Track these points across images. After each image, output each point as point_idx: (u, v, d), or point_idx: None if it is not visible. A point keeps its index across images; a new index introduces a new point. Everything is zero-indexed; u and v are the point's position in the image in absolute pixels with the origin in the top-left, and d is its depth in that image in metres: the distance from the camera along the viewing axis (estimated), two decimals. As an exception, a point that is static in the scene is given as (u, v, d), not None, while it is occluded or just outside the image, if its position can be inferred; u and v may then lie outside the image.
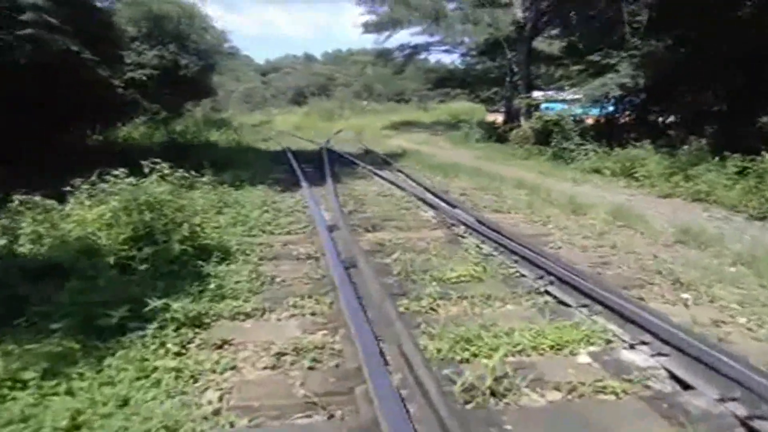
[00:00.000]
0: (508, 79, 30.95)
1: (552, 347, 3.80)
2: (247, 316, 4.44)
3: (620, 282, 5.28)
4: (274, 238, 7.10)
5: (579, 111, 20.00)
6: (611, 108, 20.27)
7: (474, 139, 26.81)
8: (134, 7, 23.95)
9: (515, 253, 5.86)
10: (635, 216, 8.61)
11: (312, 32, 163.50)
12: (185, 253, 5.39)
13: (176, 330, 3.98)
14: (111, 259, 5.20)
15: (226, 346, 3.90)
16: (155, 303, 4.03)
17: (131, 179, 6.93)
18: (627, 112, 19.91)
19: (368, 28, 33.53)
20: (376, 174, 13.30)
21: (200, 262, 5.36)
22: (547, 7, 23.12)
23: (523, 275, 5.45)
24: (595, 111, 21.79)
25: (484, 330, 4.01)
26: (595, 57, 17.61)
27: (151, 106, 23.40)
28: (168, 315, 4.03)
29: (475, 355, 3.69)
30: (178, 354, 3.68)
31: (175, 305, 4.07)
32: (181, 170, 8.01)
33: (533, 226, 7.95)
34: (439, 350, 3.75)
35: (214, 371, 3.52)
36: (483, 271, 5.53)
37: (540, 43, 27.85)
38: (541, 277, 5.18)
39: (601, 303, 4.36)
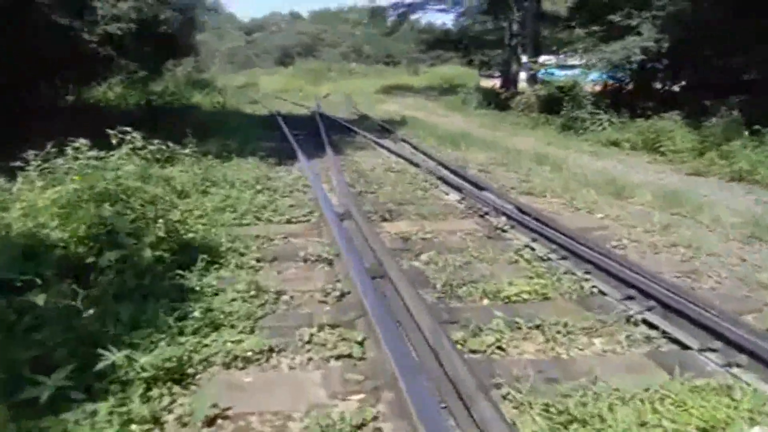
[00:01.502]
0: (507, 41, 29.43)
1: (703, 431, 2.58)
2: (247, 361, 3.17)
3: (729, 304, 4.04)
4: (272, 228, 5.79)
5: (595, 77, 18.64)
6: (622, 74, 18.92)
7: (472, 105, 25.40)
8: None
9: (582, 258, 4.62)
10: (686, 201, 7.43)
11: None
12: (161, 261, 4.06)
13: (145, 392, 2.71)
14: (60, 269, 3.88)
15: (219, 422, 2.64)
16: (114, 355, 2.73)
17: (94, 152, 5.63)
18: (641, 80, 18.56)
19: (360, -16, 31.71)
20: (378, 144, 11.95)
21: (180, 272, 4.05)
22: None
23: (603, 293, 4.21)
24: (595, 77, 20.49)
25: (590, 394, 2.78)
26: (615, 17, 16.18)
27: (129, 64, 21.57)
28: (133, 372, 2.75)
29: (593, 445, 2.47)
30: (146, 441, 2.42)
31: (143, 359, 2.78)
32: (157, 141, 6.67)
33: (580, 216, 6.70)
34: (537, 435, 2.53)
35: (201, 477, 2.26)
36: (549, 286, 4.28)
37: (544, 2, 26.27)
38: (631, 298, 3.94)
39: (740, 348, 3.14)
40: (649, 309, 3.76)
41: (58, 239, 4.35)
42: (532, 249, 5.15)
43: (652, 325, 3.67)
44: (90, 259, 3.91)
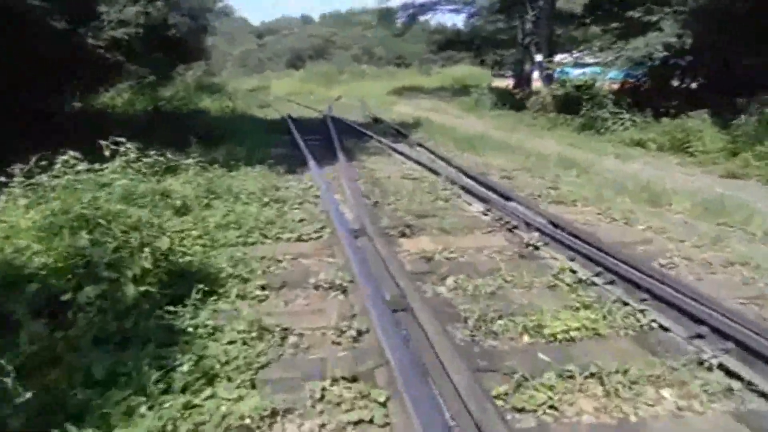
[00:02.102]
0: (520, 40, 28.77)
1: None
2: (247, 430, 2.57)
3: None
4: (280, 247, 5.19)
5: (612, 75, 17.93)
6: (641, 71, 18.15)
7: (487, 106, 24.73)
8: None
9: (632, 283, 3.98)
10: (729, 208, 6.78)
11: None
12: (147, 296, 3.46)
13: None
14: (36, 305, 3.31)
15: None
16: (71, 437, 2.13)
17: (84, 166, 5.13)
18: (662, 77, 17.77)
19: (371, -16, 31.06)
20: (393, 149, 11.31)
21: (171, 309, 3.45)
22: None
23: (665, 328, 3.56)
24: (613, 75, 19.84)
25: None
26: (635, 13, 15.48)
27: (139, 70, 21.09)
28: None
29: None
30: None
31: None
32: (154, 153, 6.15)
33: (618, 228, 6.04)
34: None
35: None
36: (600, 320, 3.63)
37: (557, 0, 25.51)
38: (701, 336, 3.30)
39: None
40: (726, 351, 3.12)
41: (39, 266, 3.78)
42: (573, 271, 4.50)
43: (731, 373, 3.03)
44: (66, 296, 3.32)
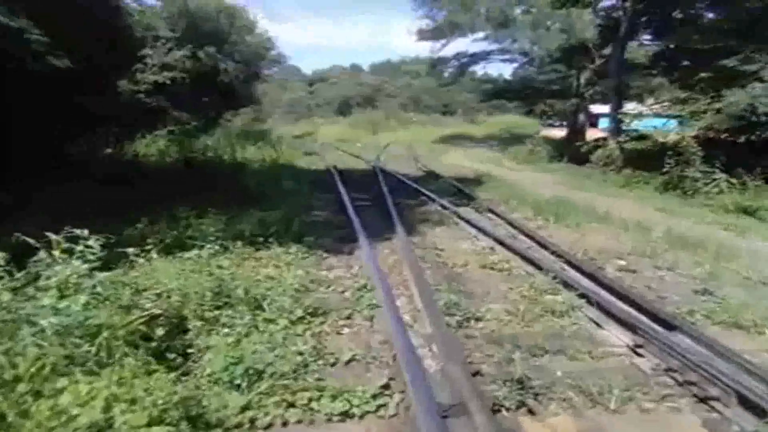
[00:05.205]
0: (575, 90, 26.35)
1: None
2: None
3: None
4: (313, 440, 2.80)
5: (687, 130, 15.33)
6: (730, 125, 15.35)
7: (544, 158, 22.35)
8: (168, 2, 20.02)
9: None
10: None
11: (360, 44, 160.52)
12: None
13: None
14: None
15: None
16: None
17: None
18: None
19: (423, 35, 29.31)
20: (460, 216, 8.85)
21: None
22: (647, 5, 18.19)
23: None
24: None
25: None
26: (730, 62, 12.95)
27: (183, 115, 19.37)
28: None
29: None
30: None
31: None
32: (132, 249, 3.92)
33: None
34: None
35: None
36: None
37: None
38: None
39: None
40: None
41: None
42: None
43: None
44: None
